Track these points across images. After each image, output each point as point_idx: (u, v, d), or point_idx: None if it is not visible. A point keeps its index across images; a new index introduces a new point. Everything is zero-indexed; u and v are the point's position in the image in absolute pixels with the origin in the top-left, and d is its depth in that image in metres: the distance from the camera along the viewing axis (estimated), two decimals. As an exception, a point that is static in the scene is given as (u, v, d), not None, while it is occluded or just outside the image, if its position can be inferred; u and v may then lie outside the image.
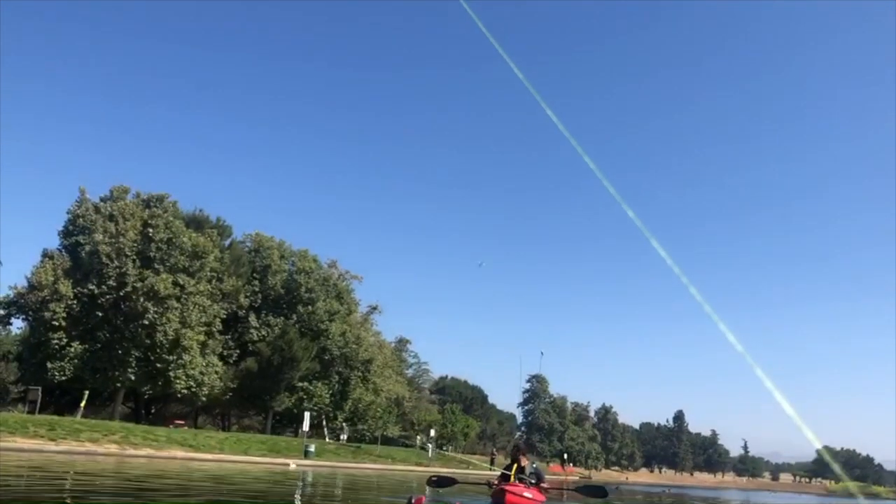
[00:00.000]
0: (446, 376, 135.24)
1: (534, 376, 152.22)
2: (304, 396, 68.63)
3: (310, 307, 70.00)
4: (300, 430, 65.89)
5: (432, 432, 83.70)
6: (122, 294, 53.41)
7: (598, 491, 17.78)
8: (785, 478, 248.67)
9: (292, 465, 46.13)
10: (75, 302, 52.80)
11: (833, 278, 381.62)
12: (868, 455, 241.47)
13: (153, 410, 70.86)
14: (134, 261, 54.46)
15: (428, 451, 78.84)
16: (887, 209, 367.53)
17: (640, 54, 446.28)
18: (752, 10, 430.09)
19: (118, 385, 55.61)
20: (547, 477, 17.42)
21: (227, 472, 31.18)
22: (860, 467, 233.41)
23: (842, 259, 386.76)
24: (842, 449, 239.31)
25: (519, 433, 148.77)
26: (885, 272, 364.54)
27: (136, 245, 55.02)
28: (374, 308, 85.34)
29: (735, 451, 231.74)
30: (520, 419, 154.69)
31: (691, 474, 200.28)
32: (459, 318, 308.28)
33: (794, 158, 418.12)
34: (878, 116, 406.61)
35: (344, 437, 72.79)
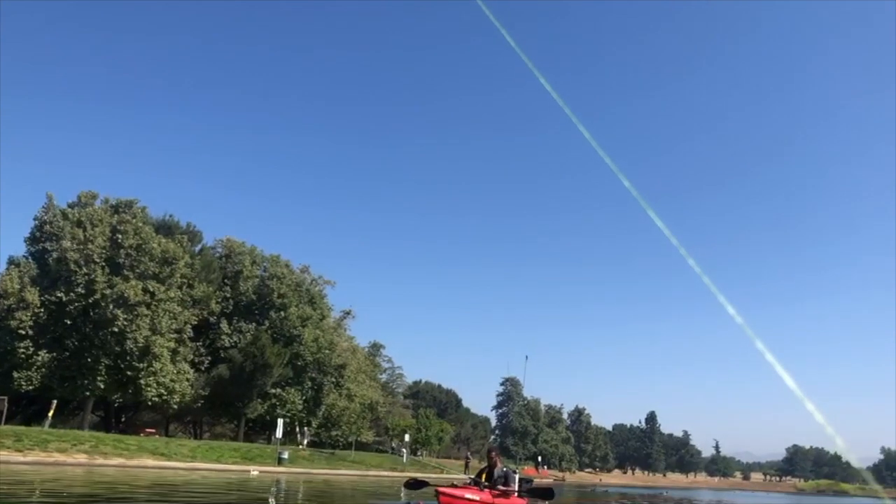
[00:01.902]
0: (420, 381, 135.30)
1: (507, 379, 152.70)
2: (277, 403, 68.06)
3: (282, 313, 69.51)
4: (273, 437, 65.35)
5: (406, 437, 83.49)
6: (90, 301, 52.63)
7: (547, 493, 17.93)
8: (756, 477, 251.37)
9: (254, 471, 45.48)
10: (42, 310, 51.90)
11: (799, 277, 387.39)
12: (836, 453, 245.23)
13: (123, 419, 69.84)
14: (103, 267, 53.70)
15: (402, 457, 78.71)
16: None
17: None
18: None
19: (87, 394, 54.75)
20: (520, 479, 17.57)
21: (182, 479, 30.83)
22: (829, 465, 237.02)
23: (814, 260, 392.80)
24: (811, 447, 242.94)
25: (493, 436, 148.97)
26: (853, 275, 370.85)
27: (104, 251, 54.26)
28: (348, 313, 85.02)
29: (707, 451, 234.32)
30: (494, 422, 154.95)
31: (664, 475, 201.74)
32: (433, 322, 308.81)
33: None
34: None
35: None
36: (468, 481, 16.70)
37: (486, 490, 15.80)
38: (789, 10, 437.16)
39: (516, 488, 16.46)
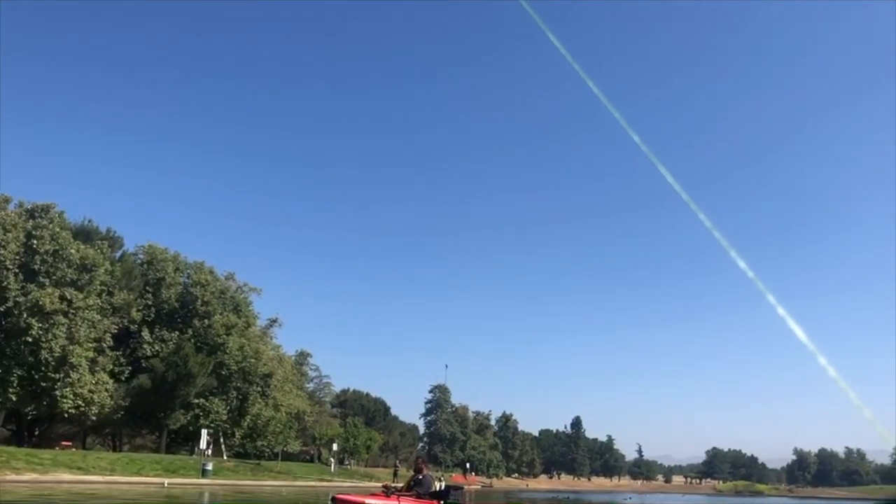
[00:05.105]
0: (348, 389, 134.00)
1: (436, 387, 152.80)
2: (201, 413, 66.39)
3: (206, 321, 67.99)
4: (197, 448, 63.74)
5: (334, 447, 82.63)
6: (2, 309, 50.54)
7: (442, 494, 18.28)
8: (677, 479, 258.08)
9: (166, 483, 44.97)
10: (-50, 319, 49.58)
11: (696, 282, 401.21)
12: (752, 455, 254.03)
13: (37, 432, 67.11)
14: (16, 274, 51.61)
15: (330, 466, 77.92)
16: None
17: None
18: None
19: (-3, 406, 52.45)
20: (447, 486, 17.83)
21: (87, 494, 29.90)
22: (746, 466, 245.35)
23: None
24: (729, 450, 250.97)
25: (421, 444, 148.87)
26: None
27: (18, 258, 52.13)
28: (274, 321, 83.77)
29: (630, 455, 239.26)
30: (422, 430, 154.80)
31: (589, 479, 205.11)
32: (361, 330, 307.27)
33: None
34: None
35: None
36: (381, 489, 17.00)
37: (394, 495, 15.99)
38: (780, 9, 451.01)
39: (432, 490, 16.75)
